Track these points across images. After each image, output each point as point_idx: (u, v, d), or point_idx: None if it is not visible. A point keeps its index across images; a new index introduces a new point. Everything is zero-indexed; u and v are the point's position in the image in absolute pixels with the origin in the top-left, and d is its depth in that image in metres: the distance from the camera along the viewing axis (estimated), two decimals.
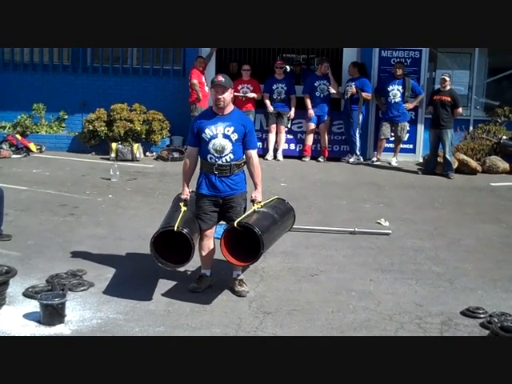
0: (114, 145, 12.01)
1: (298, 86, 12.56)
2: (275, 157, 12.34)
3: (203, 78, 12.01)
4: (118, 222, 7.74)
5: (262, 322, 5.05)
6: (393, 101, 11.96)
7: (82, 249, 6.64)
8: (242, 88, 12.23)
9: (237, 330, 4.88)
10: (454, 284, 6.02)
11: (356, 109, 12.00)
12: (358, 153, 12.17)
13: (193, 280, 5.74)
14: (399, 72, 11.92)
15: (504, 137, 12.05)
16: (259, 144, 11.78)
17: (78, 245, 6.77)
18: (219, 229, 5.99)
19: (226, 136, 5.44)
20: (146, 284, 5.73)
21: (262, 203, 5.64)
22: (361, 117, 12.04)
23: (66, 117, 13.39)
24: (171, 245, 5.33)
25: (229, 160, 5.47)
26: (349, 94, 11.95)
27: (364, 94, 11.92)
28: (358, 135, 12.08)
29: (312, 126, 12.28)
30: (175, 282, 5.80)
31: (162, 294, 5.53)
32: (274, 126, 12.36)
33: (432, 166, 11.41)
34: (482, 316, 5.20)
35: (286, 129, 12.48)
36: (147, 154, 12.44)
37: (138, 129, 12.18)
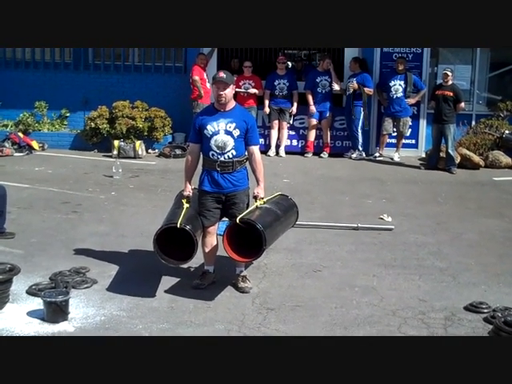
0: (116, 142, 12.02)
1: (300, 82, 12.55)
2: (277, 153, 12.34)
3: (205, 75, 12.01)
4: (121, 219, 7.74)
5: (266, 318, 5.05)
6: (395, 96, 11.94)
7: (85, 246, 6.64)
8: (244, 84, 12.23)
9: (240, 326, 4.89)
10: (457, 279, 6.01)
11: (357, 104, 12.00)
12: (361, 148, 12.17)
13: (196, 277, 5.75)
14: (401, 67, 11.91)
15: (506, 131, 12.03)
16: (261, 140, 11.79)
17: (80, 242, 6.78)
18: (222, 225, 5.99)
19: (227, 132, 5.44)
20: (149, 281, 5.73)
21: (265, 199, 5.64)
22: (362, 112, 12.03)
23: (68, 114, 13.41)
24: (174, 242, 5.33)
25: (231, 156, 5.47)
26: (351, 90, 11.95)
27: (366, 90, 11.90)
28: (360, 131, 12.07)
29: (314, 121, 12.27)
30: (178, 279, 5.80)
31: (166, 291, 5.54)
32: (276, 122, 12.36)
33: (434, 160, 11.40)
34: (485, 311, 5.19)
35: (288, 125, 12.48)
36: (149, 151, 12.44)
37: (140, 126, 12.18)
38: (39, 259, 6.24)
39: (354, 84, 11.90)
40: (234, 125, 5.45)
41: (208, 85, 11.69)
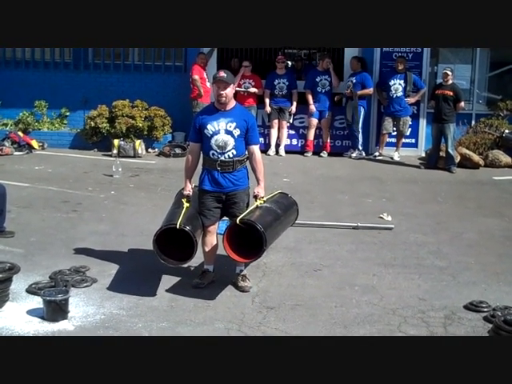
0: (116, 141, 12.02)
1: (300, 81, 12.55)
2: (277, 152, 12.34)
3: (205, 74, 12.02)
4: (121, 219, 7.75)
5: (266, 317, 5.05)
6: (394, 95, 11.94)
7: (85, 245, 6.65)
8: (244, 83, 12.23)
9: (240, 325, 4.89)
10: (457, 278, 6.02)
11: (359, 104, 11.98)
12: (361, 148, 12.17)
13: (196, 275, 5.75)
14: (401, 66, 11.91)
15: (506, 131, 12.04)
16: (261, 139, 11.79)
17: (80, 241, 6.78)
18: (222, 225, 5.99)
19: (228, 132, 5.44)
20: (149, 280, 5.73)
21: (265, 198, 5.63)
22: (363, 111, 12.04)
23: (67, 114, 13.41)
24: (174, 241, 5.33)
25: (231, 156, 5.47)
26: (349, 91, 11.97)
27: (364, 91, 11.88)
28: (360, 130, 12.07)
29: (314, 121, 12.27)
30: (178, 278, 5.81)
31: (166, 290, 5.54)
32: (275, 121, 12.36)
33: (434, 160, 11.40)
34: (485, 310, 5.20)
35: (288, 124, 12.48)
36: (149, 150, 12.44)
37: (140, 125, 12.18)
38: (39, 258, 6.24)
39: (348, 91, 11.91)
40: (234, 124, 5.45)
41: (208, 84, 11.71)
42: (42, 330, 4.73)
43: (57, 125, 13.21)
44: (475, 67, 12.74)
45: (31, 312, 5.01)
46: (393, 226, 7.59)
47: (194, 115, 6.67)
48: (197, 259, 5.66)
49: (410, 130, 12.30)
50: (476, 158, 11.53)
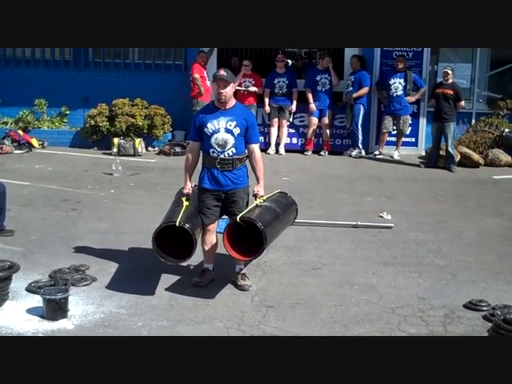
0: (115, 140, 12.02)
1: (300, 80, 12.54)
2: (277, 151, 12.34)
3: (205, 73, 12.01)
4: (121, 217, 7.75)
5: (265, 315, 5.06)
6: (394, 94, 11.94)
7: (85, 244, 6.65)
8: (244, 82, 12.22)
9: (239, 323, 4.89)
10: (457, 277, 6.02)
11: (358, 102, 11.99)
12: (361, 146, 12.17)
13: (195, 274, 5.75)
14: (401, 65, 11.90)
15: (506, 130, 12.03)
16: (261, 138, 11.80)
17: (80, 240, 6.78)
18: (222, 223, 5.99)
19: (228, 130, 5.44)
20: (149, 278, 5.74)
21: (265, 197, 5.64)
22: (362, 109, 12.04)
23: (67, 112, 13.41)
24: (173, 240, 5.33)
25: (231, 154, 5.47)
26: (350, 88, 11.97)
27: (360, 92, 11.87)
28: (360, 128, 12.07)
29: (314, 119, 12.26)
30: (178, 277, 5.81)
31: (165, 289, 5.54)
32: (275, 120, 12.36)
33: (434, 159, 11.40)
34: (484, 309, 5.20)
35: (288, 123, 12.48)
36: (149, 148, 12.44)
37: (140, 124, 12.18)
38: (39, 257, 6.24)
39: (352, 98, 11.91)
40: (234, 123, 5.45)
41: (208, 83, 11.71)
42: (42, 328, 4.74)
43: (57, 123, 13.22)
44: (475, 66, 12.74)
45: (31, 311, 5.01)
46: (392, 224, 7.59)
47: (194, 114, 6.67)
48: (196, 258, 5.66)
49: (410, 128, 12.30)
50: (476, 156, 11.53)
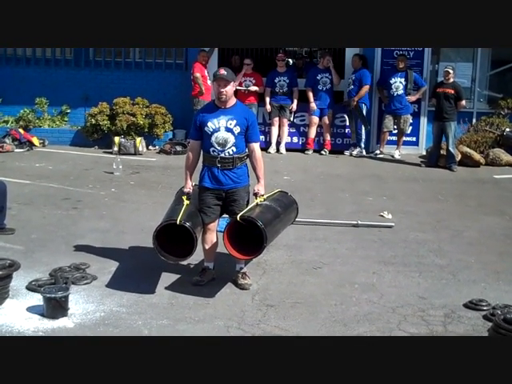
0: (116, 138, 12.02)
1: (301, 79, 12.54)
2: (278, 150, 12.34)
3: (206, 72, 12.01)
4: (121, 216, 7.75)
5: (265, 314, 5.06)
6: (395, 93, 11.93)
7: (85, 242, 6.65)
8: (245, 81, 12.22)
9: (240, 322, 4.89)
10: (457, 276, 6.02)
11: (361, 102, 11.97)
12: (363, 145, 12.17)
13: (196, 273, 5.75)
14: (401, 65, 11.90)
15: (507, 129, 12.03)
16: (262, 137, 11.80)
17: (81, 238, 6.78)
18: (222, 222, 5.99)
19: (228, 129, 5.44)
20: (149, 277, 5.74)
21: (265, 196, 5.64)
22: (365, 108, 12.05)
23: (68, 111, 13.41)
24: (174, 238, 5.33)
25: (231, 153, 5.47)
26: (352, 87, 11.97)
27: (360, 94, 11.85)
28: (363, 128, 12.07)
29: (315, 119, 12.26)
30: (178, 276, 5.81)
31: (165, 288, 5.54)
32: (276, 119, 12.36)
33: (435, 158, 11.40)
34: (484, 308, 5.20)
35: (289, 122, 12.48)
36: (150, 147, 12.44)
37: (141, 122, 12.18)
38: (39, 255, 6.24)
39: (354, 102, 11.89)
40: (234, 122, 5.45)
41: (209, 82, 11.70)
42: (42, 327, 4.74)
43: (57, 122, 13.21)
44: (476, 65, 12.74)
45: (31, 309, 5.01)
46: (393, 224, 7.59)
47: (195, 113, 6.67)
48: (197, 257, 5.66)
49: (410, 128, 12.30)
50: (477, 156, 11.52)
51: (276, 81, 12.30)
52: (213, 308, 5.16)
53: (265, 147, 11.74)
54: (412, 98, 12.05)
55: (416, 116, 12.39)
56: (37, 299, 5.11)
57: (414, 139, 12.57)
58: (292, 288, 5.64)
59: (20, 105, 13.04)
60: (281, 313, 5.10)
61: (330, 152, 12.32)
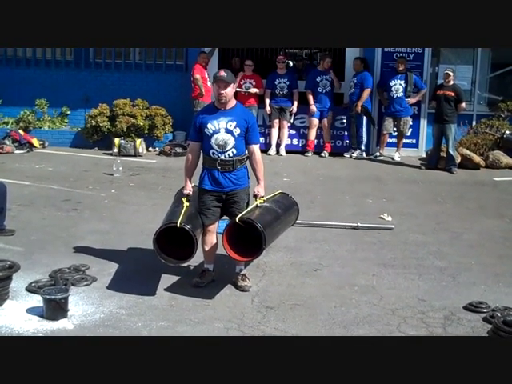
0: (116, 140, 12.02)
1: (301, 82, 12.55)
2: (278, 152, 12.34)
3: (206, 73, 12.02)
4: (121, 217, 7.75)
5: (265, 316, 5.05)
6: (395, 96, 11.94)
7: (85, 244, 6.65)
8: (245, 83, 12.23)
9: (239, 324, 4.89)
10: (457, 279, 6.01)
11: (362, 105, 11.99)
12: (363, 148, 12.18)
13: (196, 275, 5.75)
14: (401, 67, 11.91)
15: (507, 131, 12.03)
16: (262, 139, 11.81)
17: (80, 240, 6.78)
18: (222, 224, 5.99)
19: (228, 131, 5.44)
20: (149, 279, 5.74)
21: (265, 198, 5.64)
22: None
23: (68, 112, 13.41)
24: (174, 240, 5.33)
25: (231, 155, 5.47)
26: (353, 90, 11.98)
27: (363, 98, 11.86)
28: (365, 130, 12.08)
29: (315, 121, 12.27)
30: (178, 277, 5.81)
31: (165, 289, 5.54)
32: (276, 121, 12.36)
33: (435, 160, 11.40)
34: (484, 310, 5.20)
35: (289, 124, 12.49)
36: (150, 149, 12.45)
37: (141, 124, 12.18)
38: (39, 256, 6.24)
39: (359, 107, 11.89)
40: (234, 123, 5.45)
41: (209, 83, 11.70)
42: (42, 328, 4.73)
43: (58, 123, 13.22)
44: (476, 68, 12.75)
45: (31, 310, 5.01)
46: (393, 226, 7.59)
47: (195, 114, 6.67)
48: (197, 258, 5.66)
49: (410, 130, 12.31)
50: (477, 158, 11.53)
51: (276, 83, 12.31)
52: (212, 310, 5.16)
53: (265, 149, 11.75)
54: (412, 101, 12.06)
55: (416, 118, 12.40)
56: (36, 300, 5.10)
57: (414, 141, 12.57)
58: (292, 290, 5.64)
59: (20, 106, 13.05)
60: (280, 315, 5.09)
61: (330, 154, 12.32)
